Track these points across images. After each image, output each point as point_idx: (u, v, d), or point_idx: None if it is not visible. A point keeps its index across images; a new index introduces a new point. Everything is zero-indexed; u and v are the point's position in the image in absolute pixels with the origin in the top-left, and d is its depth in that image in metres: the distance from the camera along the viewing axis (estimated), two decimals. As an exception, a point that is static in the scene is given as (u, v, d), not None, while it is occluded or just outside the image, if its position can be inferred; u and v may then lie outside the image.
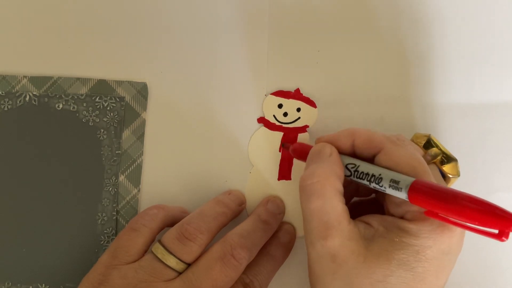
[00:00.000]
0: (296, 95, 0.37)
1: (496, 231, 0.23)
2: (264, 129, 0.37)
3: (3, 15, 0.38)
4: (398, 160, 0.29)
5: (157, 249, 0.31)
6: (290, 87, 0.37)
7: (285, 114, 0.37)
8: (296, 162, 0.37)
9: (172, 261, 0.31)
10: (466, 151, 0.37)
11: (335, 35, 0.38)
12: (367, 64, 0.37)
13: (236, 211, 0.35)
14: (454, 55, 0.37)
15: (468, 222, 0.24)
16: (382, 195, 0.31)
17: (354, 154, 0.31)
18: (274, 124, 0.37)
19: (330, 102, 0.37)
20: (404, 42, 0.38)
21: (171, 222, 0.34)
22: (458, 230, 0.27)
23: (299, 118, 0.37)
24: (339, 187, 0.29)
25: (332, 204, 0.28)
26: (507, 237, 0.23)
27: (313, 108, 0.37)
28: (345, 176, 0.30)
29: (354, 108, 0.37)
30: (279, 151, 0.36)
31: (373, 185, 0.29)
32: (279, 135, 0.37)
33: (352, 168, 0.30)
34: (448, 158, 0.31)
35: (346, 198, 0.30)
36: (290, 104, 0.37)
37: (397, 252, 0.27)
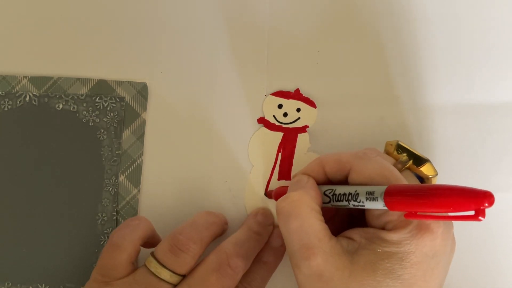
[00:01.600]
0: (296, 95, 0.37)
1: (473, 213, 0.23)
2: (264, 129, 0.37)
3: (3, 15, 0.38)
4: (368, 174, 0.29)
5: (150, 262, 0.31)
6: (290, 87, 0.37)
7: (285, 115, 0.37)
8: (296, 162, 0.37)
9: (165, 275, 0.30)
10: (466, 151, 0.37)
11: (334, 35, 0.38)
12: (367, 64, 0.37)
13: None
14: (454, 55, 0.37)
15: (445, 211, 0.24)
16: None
17: (330, 183, 0.32)
18: (274, 124, 0.37)
19: (330, 102, 0.37)
20: (404, 42, 0.38)
21: (153, 234, 0.34)
22: (440, 231, 0.27)
23: (299, 118, 0.37)
24: (315, 206, 0.29)
25: (309, 223, 0.28)
26: (483, 215, 0.23)
27: (313, 109, 0.37)
28: (326, 202, 0.31)
29: (354, 108, 0.37)
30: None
31: (352, 203, 0.29)
32: (279, 135, 0.37)
33: (330, 193, 0.30)
34: (420, 160, 0.31)
35: (338, 227, 0.30)
36: (290, 104, 0.37)
37: (382, 262, 0.27)
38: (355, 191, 0.28)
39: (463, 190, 0.24)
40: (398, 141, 0.32)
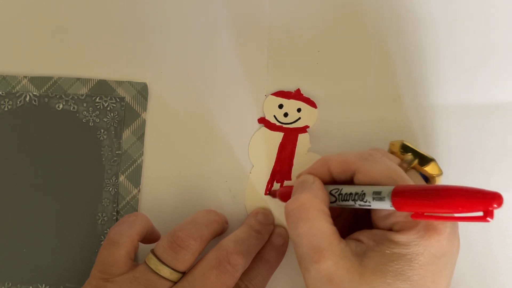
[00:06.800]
0: (296, 95, 0.37)
1: (481, 214, 0.23)
2: (264, 130, 0.37)
3: (4, 15, 0.38)
4: (374, 176, 0.29)
5: (150, 260, 0.31)
6: (291, 87, 0.37)
7: (286, 115, 0.37)
8: (296, 162, 0.37)
9: (165, 272, 0.30)
10: (466, 151, 0.37)
11: (335, 35, 0.38)
12: (367, 64, 0.37)
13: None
14: (454, 55, 0.37)
15: (453, 212, 0.24)
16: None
17: (335, 182, 0.32)
18: (274, 124, 0.37)
19: (330, 102, 0.37)
20: (404, 42, 0.38)
21: (151, 229, 0.34)
22: (446, 231, 0.27)
23: (299, 118, 0.37)
24: (324, 209, 0.29)
25: (319, 226, 0.28)
26: (491, 216, 0.23)
27: (314, 109, 0.37)
28: (332, 202, 0.31)
29: (354, 108, 0.37)
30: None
31: (358, 203, 0.29)
32: (279, 135, 0.37)
33: (336, 192, 0.30)
34: (425, 160, 0.31)
35: (343, 227, 0.30)
36: (291, 105, 0.37)
37: (391, 263, 0.27)
38: (362, 191, 0.28)
39: (471, 191, 0.23)
40: (402, 141, 0.32)
